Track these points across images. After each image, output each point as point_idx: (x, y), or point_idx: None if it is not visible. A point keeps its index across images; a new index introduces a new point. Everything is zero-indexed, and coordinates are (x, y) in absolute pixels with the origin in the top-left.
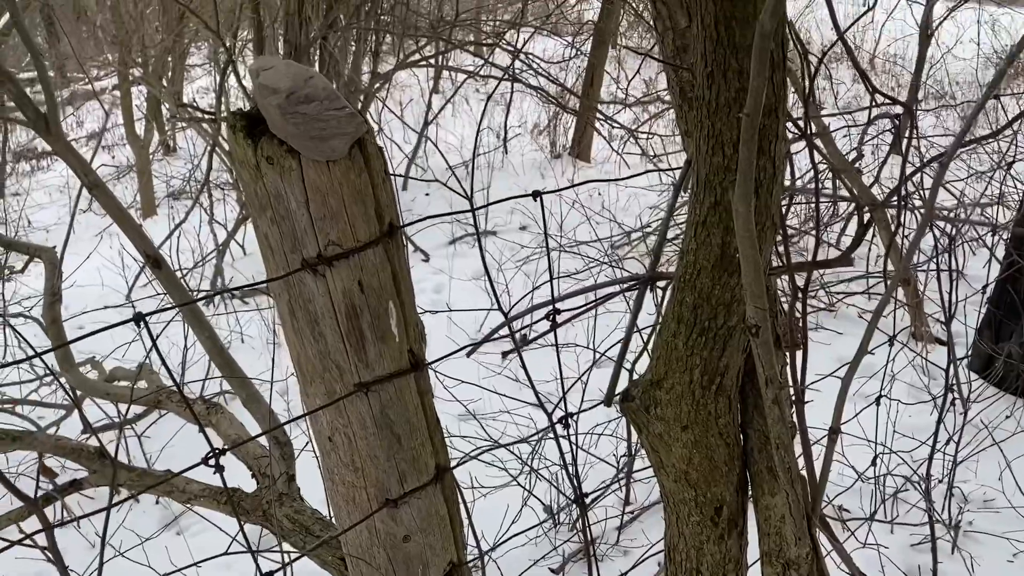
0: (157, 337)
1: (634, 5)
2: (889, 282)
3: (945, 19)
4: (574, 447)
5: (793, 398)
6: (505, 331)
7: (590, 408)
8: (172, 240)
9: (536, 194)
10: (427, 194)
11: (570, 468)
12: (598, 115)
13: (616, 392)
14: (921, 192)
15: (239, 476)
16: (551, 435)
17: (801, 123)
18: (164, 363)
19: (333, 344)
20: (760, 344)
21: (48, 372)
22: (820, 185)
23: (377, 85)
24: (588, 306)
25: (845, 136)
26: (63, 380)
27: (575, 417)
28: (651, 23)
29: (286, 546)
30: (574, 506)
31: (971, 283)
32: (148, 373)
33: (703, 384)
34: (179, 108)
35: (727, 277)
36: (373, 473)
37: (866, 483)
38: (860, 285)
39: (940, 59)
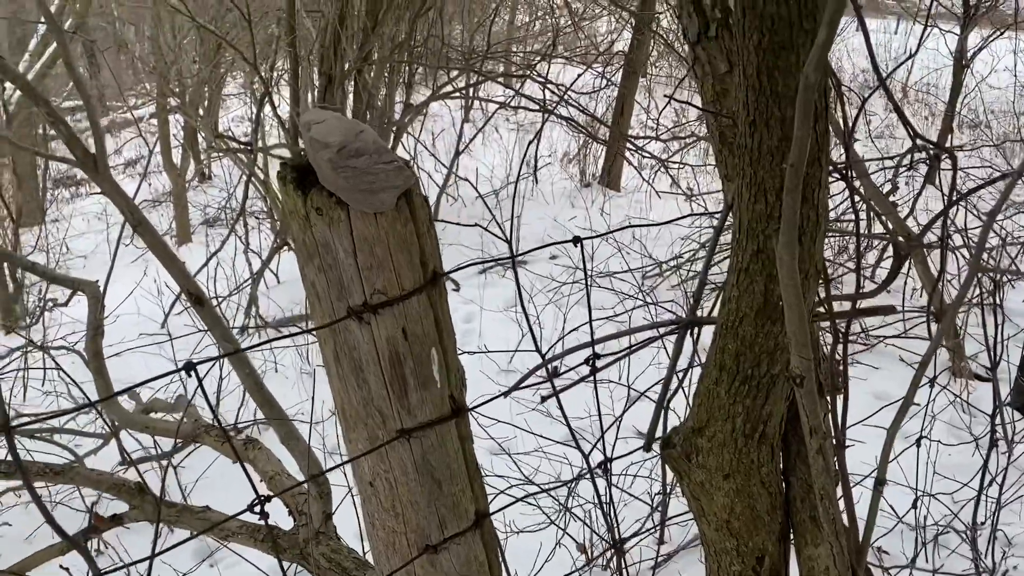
0: (204, 375)
1: (664, 36)
2: (935, 330)
3: (981, 50)
4: (610, 489)
5: (835, 443)
6: (542, 373)
7: (628, 454)
8: (208, 268)
9: (576, 240)
10: (458, 223)
11: (607, 511)
12: (628, 144)
13: (655, 436)
14: (966, 238)
15: (275, 512)
16: (587, 476)
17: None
18: (212, 409)
19: (376, 391)
20: (805, 394)
21: (88, 403)
22: (853, 217)
23: (410, 116)
24: (625, 353)
25: (879, 169)
26: (104, 412)
27: (612, 462)
28: (681, 54)
29: None
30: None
31: (1011, 317)
32: (187, 407)
33: (746, 432)
34: (215, 138)
35: (770, 325)
36: (414, 519)
37: (906, 527)
38: (896, 317)
39: (974, 88)
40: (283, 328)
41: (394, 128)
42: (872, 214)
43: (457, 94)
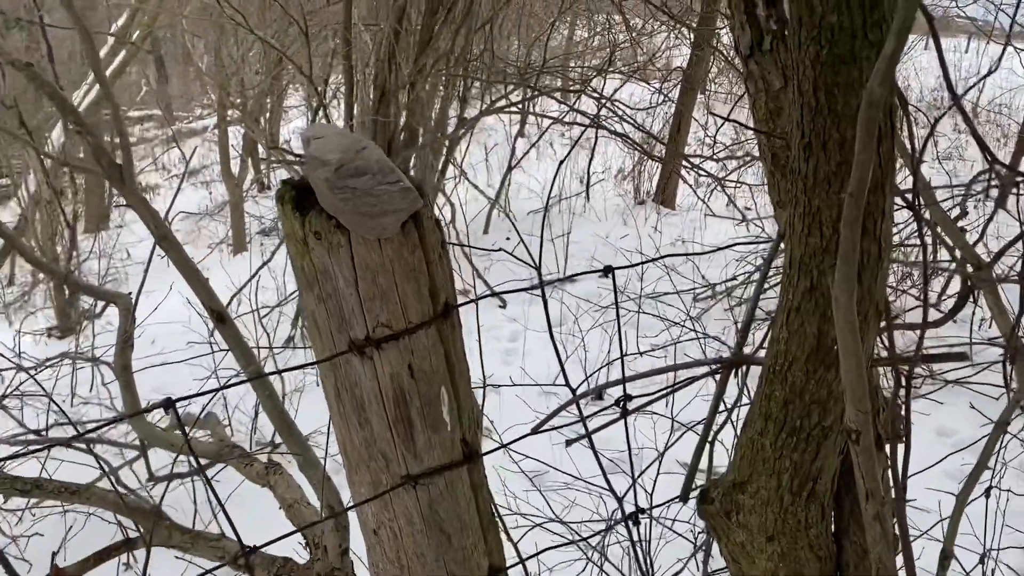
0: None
1: (724, 52)
2: (1011, 374)
3: None
4: (647, 534)
5: (894, 497)
6: (574, 408)
7: (665, 504)
8: (257, 278)
9: (607, 270)
10: (508, 238)
11: (642, 561)
12: (684, 162)
13: (693, 486)
14: None
15: (291, 541)
16: (620, 523)
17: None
18: (251, 435)
19: (379, 432)
20: (861, 452)
21: (119, 416)
22: (919, 245)
23: (463, 130)
24: (661, 394)
25: (949, 197)
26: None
27: (647, 511)
28: (741, 71)
29: None
30: None
31: None
32: (214, 424)
33: (792, 490)
34: (271, 150)
35: (823, 371)
36: (420, 573)
37: None
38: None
39: None
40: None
41: (447, 142)
42: (938, 241)
43: (511, 108)
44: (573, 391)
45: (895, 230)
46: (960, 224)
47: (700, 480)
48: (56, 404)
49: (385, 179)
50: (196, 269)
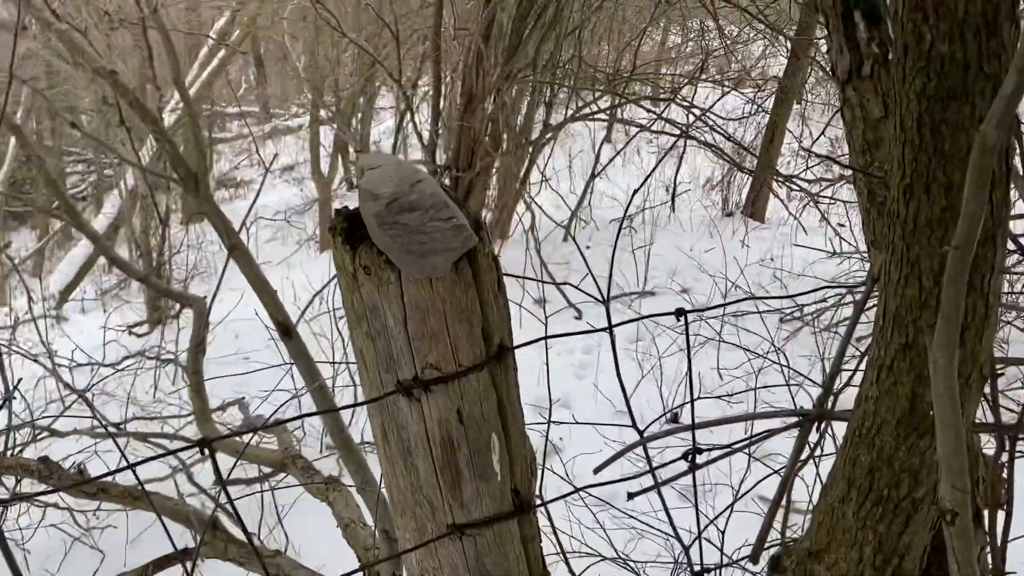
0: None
1: (823, 63)
2: None
3: None
4: None
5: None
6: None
7: (732, 563)
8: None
9: (680, 313)
10: (588, 247)
11: None
12: (776, 175)
13: (765, 546)
14: None
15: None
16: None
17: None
18: (213, 496)
19: (425, 478)
20: (956, 534)
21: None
22: None
23: (548, 136)
24: (733, 449)
25: None
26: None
27: (714, 570)
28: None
29: None
30: None
31: None
32: (282, 432)
33: (876, 565)
34: (358, 151)
35: (916, 438)
36: None
37: None
38: None
39: None
40: None
41: (531, 148)
42: None
43: (599, 115)
44: (640, 432)
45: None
46: None
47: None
48: (131, 401)
49: (437, 215)
50: (265, 281)
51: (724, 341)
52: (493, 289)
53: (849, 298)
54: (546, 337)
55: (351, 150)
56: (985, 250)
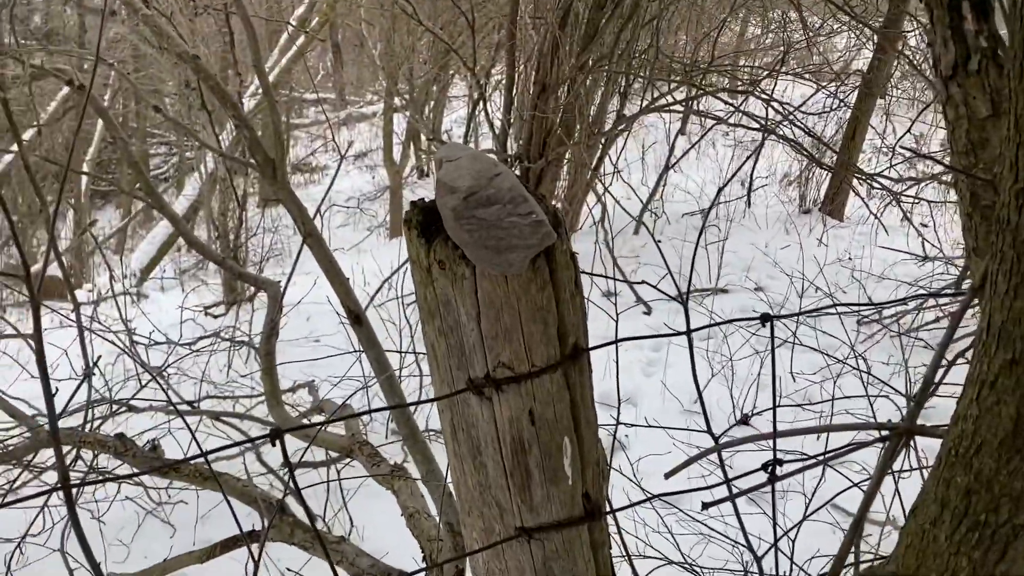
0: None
1: (911, 56)
2: None
3: None
4: None
5: None
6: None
7: None
8: (406, 268)
9: (765, 319)
10: (659, 241)
11: None
12: (857, 172)
13: (848, 563)
14: None
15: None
16: None
17: None
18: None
19: (495, 478)
20: None
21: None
22: None
23: (621, 127)
24: (814, 462)
25: None
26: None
27: None
28: (929, 77)
29: None
30: None
31: None
32: (350, 418)
33: None
34: (430, 140)
35: (1019, 461)
36: None
37: None
38: None
39: None
40: None
41: (603, 139)
42: None
43: (674, 107)
44: (715, 438)
45: None
46: None
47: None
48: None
49: (516, 210)
50: (338, 269)
51: (800, 343)
52: (570, 287)
53: (931, 303)
54: (623, 340)
55: (423, 138)
56: None
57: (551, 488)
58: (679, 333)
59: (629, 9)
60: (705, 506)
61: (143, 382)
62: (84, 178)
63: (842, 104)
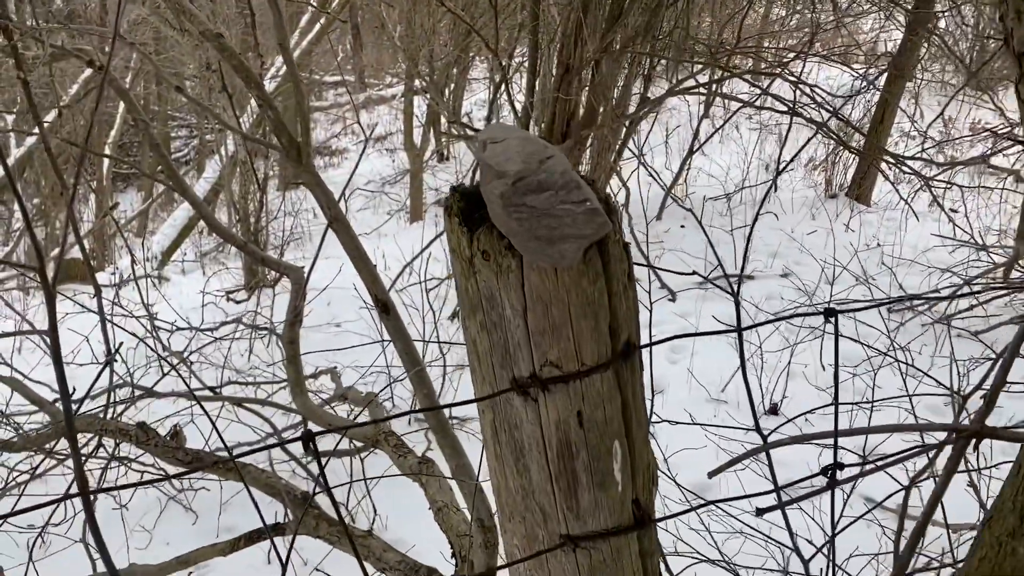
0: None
1: (942, 37)
2: None
3: None
4: None
5: None
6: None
7: None
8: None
9: (829, 313)
10: (682, 226)
11: None
12: (886, 156)
13: (911, 571)
14: None
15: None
16: None
17: None
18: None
19: (539, 483)
20: None
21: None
22: None
23: (645, 110)
24: (881, 464)
25: None
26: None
27: None
28: (960, 58)
29: None
30: None
31: None
32: (374, 407)
33: None
34: (451, 123)
35: None
36: None
37: None
38: None
39: None
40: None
41: (627, 122)
42: None
43: (699, 90)
44: (764, 438)
45: None
46: None
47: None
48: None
49: (568, 197)
50: (365, 256)
51: (844, 337)
52: (623, 280)
53: (966, 290)
54: (679, 336)
55: (443, 121)
56: None
57: (599, 494)
58: (730, 330)
59: None
60: (760, 512)
61: (165, 369)
62: (106, 161)
63: (871, 87)
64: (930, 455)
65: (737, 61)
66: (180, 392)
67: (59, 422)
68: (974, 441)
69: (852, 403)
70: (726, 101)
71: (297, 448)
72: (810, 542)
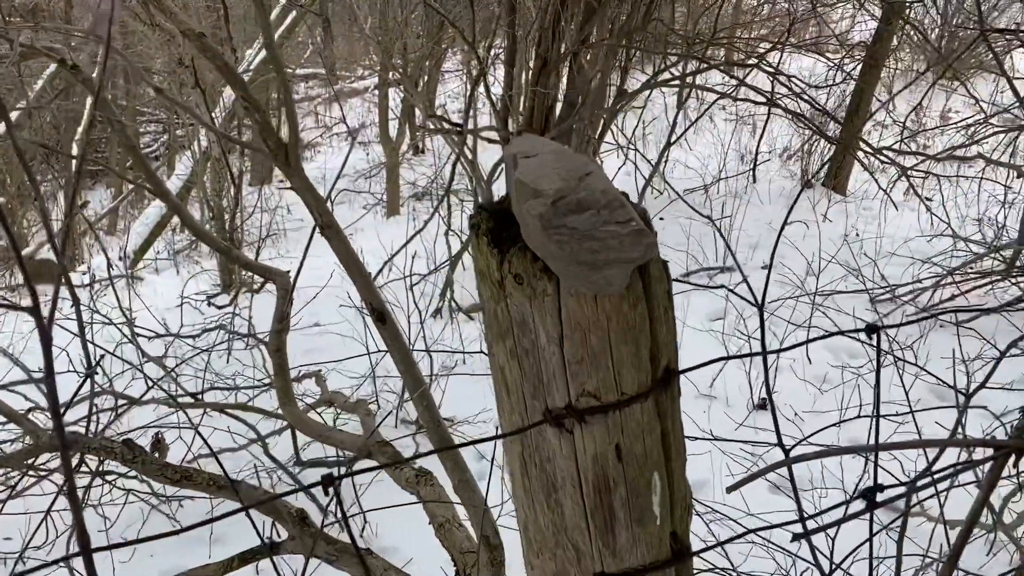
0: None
1: (916, 27)
2: None
3: None
4: None
5: None
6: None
7: None
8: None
9: (871, 329)
10: (661, 218)
11: None
12: (862, 145)
13: None
14: None
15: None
16: None
17: None
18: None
19: (572, 519)
20: None
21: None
22: None
23: (622, 103)
24: (921, 484)
25: None
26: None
27: None
28: (937, 48)
29: None
30: None
31: None
32: (364, 414)
33: None
34: (428, 117)
35: None
36: None
37: None
38: None
39: None
40: (473, 314)
41: (604, 115)
42: None
43: (677, 82)
44: (786, 452)
45: None
46: None
47: None
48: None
49: (612, 216)
50: (359, 263)
51: (851, 336)
52: (664, 302)
53: (949, 280)
54: (721, 359)
55: (417, 114)
56: None
57: (637, 530)
58: (756, 354)
59: None
60: (796, 538)
61: (147, 379)
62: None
63: (848, 77)
64: (974, 471)
65: (712, 52)
66: (162, 399)
67: (41, 437)
68: (1014, 457)
69: (892, 416)
70: (701, 92)
71: (280, 452)
72: (829, 559)
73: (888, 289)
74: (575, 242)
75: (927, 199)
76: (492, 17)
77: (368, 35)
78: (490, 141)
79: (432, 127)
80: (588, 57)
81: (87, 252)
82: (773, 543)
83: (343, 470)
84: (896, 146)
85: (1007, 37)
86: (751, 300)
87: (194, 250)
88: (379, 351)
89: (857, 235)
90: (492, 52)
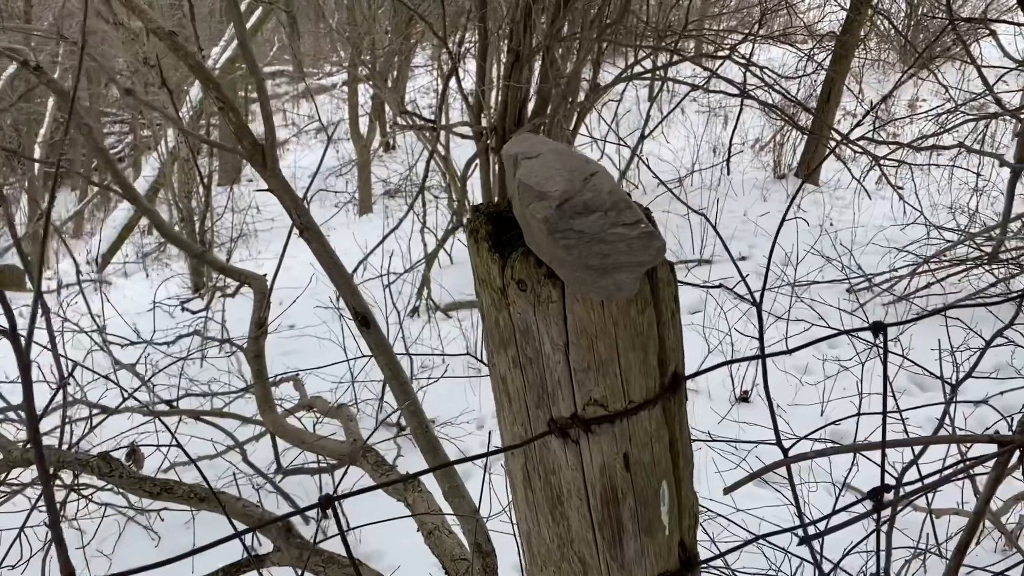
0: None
1: (885, 15)
2: None
3: None
4: None
5: None
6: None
7: None
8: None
9: (877, 328)
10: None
11: None
12: (834, 135)
13: None
14: None
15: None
16: None
17: None
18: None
19: (579, 532)
20: None
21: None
22: None
23: (595, 97)
24: (921, 488)
25: None
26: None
27: None
28: (906, 37)
29: None
30: None
31: None
32: (346, 419)
33: None
34: (400, 114)
35: None
36: None
37: None
38: None
39: None
40: (451, 312)
41: (578, 109)
42: None
43: (650, 75)
44: (785, 452)
45: None
46: None
47: None
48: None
49: (620, 218)
50: (341, 266)
51: (802, 300)
52: (671, 306)
53: (925, 268)
54: (725, 364)
55: (387, 110)
56: None
57: (645, 540)
58: (754, 357)
59: None
60: (802, 541)
61: (122, 389)
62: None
63: (819, 67)
64: (978, 467)
65: (683, 45)
66: (137, 408)
67: (12, 452)
68: (1018, 453)
69: (894, 414)
70: (672, 85)
71: (258, 459)
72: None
73: (865, 278)
74: (583, 246)
75: (899, 187)
76: (462, 11)
77: (336, 31)
78: (463, 136)
79: (404, 123)
80: (560, 51)
81: (53, 257)
82: (773, 543)
83: (329, 478)
84: (868, 135)
85: (975, 26)
86: (749, 300)
87: (163, 252)
88: (360, 356)
89: (832, 224)
90: (463, 47)
